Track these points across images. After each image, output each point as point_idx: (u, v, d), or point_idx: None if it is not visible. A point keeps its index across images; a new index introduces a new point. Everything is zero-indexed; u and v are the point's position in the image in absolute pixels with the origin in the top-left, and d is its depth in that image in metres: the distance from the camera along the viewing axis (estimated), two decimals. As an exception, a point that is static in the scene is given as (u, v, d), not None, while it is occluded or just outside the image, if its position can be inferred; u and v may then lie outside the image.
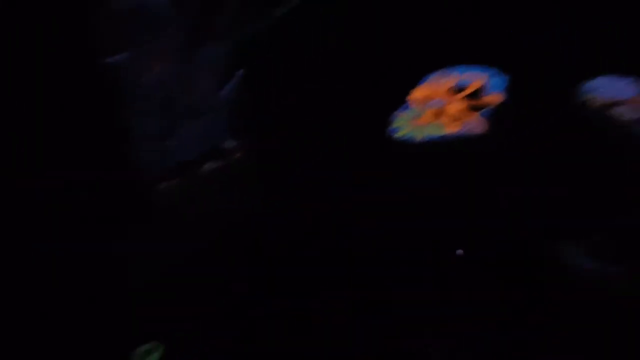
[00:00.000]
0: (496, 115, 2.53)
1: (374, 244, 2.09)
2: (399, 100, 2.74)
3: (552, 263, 1.81)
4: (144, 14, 2.20)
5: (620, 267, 1.70)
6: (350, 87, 2.71)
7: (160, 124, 2.29)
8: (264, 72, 2.59)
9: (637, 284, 1.61)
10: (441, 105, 2.66)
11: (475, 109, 2.60)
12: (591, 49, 2.63)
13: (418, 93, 2.78)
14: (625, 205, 1.81)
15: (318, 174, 2.40)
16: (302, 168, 2.42)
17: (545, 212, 2.01)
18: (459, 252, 1.83)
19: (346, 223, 2.19)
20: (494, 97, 2.67)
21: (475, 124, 2.55)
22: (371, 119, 2.62)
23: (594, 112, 2.52)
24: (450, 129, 2.54)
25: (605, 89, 2.65)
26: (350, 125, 2.60)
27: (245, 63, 2.57)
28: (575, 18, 2.64)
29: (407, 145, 2.50)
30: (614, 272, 1.69)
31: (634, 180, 1.95)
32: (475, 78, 2.78)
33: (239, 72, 2.56)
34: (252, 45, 2.63)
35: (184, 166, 2.26)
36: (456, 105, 2.67)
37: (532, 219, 2.01)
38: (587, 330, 1.54)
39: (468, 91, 2.71)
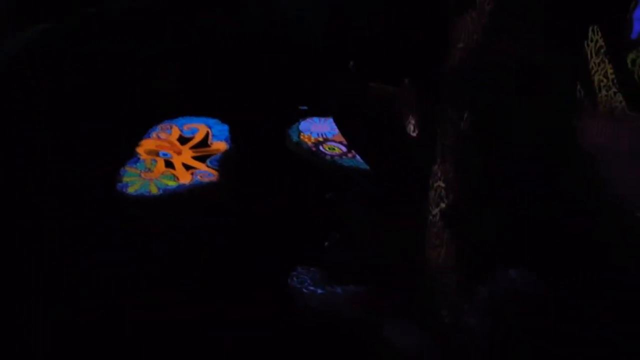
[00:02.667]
0: (223, 162, 2.80)
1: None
2: (127, 153, 2.83)
3: (287, 291, 2.12)
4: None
5: (346, 289, 2.09)
6: (78, 140, 2.72)
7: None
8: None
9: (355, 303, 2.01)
10: (170, 157, 2.84)
11: (202, 158, 2.82)
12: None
13: (146, 145, 2.91)
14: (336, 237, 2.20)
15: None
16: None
17: (275, 248, 2.31)
18: None
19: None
20: (219, 146, 2.96)
21: (205, 172, 2.78)
22: (101, 174, 2.66)
23: (306, 149, 2.96)
24: (183, 179, 2.71)
25: (314, 128, 3.14)
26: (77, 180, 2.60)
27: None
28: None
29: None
30: (341, 295, 2.07)
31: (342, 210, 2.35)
32: (199, 129, 3.03)
33: None
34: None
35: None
36: (184, 156, 2.88)
37: (267, 254, 2.30)
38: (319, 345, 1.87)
39: (194, 141, 2.96)
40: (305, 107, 3.11)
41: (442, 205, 1.69)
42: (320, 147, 2.93)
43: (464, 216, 1.65)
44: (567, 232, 1.62)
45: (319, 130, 3.01)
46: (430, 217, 1.74)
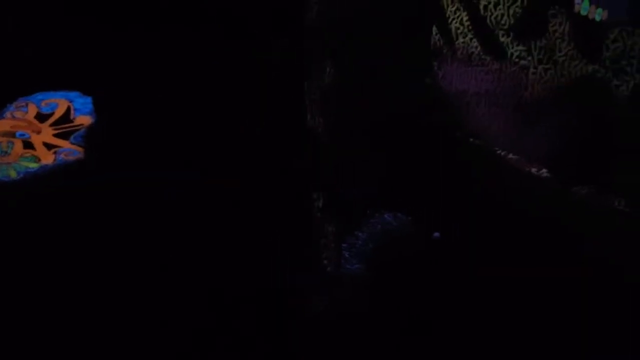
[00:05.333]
0: (88, 138, 2.87)
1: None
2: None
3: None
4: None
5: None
6: None
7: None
8: None
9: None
10: (29, 137, 2.87)
11: (65, 135, 2.88)
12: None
13: (1, 126, 2.84)
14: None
15: None
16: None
17: (153, 223, 2.44)
18: (436, 234, 2.05)
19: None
20: (83, 120, 3.01)
21: (70, 150, 2.85)
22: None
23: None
24: (45, 160, 2.75)
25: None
26: None
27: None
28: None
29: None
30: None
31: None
32: (58, 104, 3.07)
33: None
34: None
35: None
36: (45, 135, 2.92)
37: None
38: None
39: (54, 118, 2.99)
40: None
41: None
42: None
43: (338, 167, 1.88)
44: (433, 172, 1.90)
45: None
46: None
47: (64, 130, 2.88)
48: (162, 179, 2.50)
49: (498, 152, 2.09)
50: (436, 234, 2.01)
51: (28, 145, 2.78)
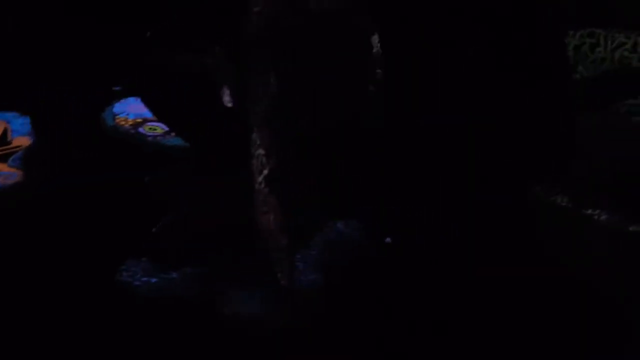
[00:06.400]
0: (27, 160, 2.84)
1: None
2: None
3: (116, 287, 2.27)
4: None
5: (182, 272, 2.28)
6: None
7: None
8: None
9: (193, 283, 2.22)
10: (-37, 161, 2.84)
11: (3, 158, 2.82)
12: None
13: None
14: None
15: None
16: None
17: (99, 245, 2.43)
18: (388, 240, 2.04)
19: None
20: (21, 141, 2.98)
21: (7, 173, 2.80)
22: None
23: (125, 132, 3.06)
24: (-19, 184, 2.72)
25: (131, 110, 3.24)
26: None
27: None
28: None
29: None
30: (177, 279, 2.27)
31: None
32: (-7, 125, 3.06)
33: None
34: None
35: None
36: (-20, 158, 2.87)
37: (90, 253, 2.41)
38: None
39: (-11, 140, 2.98)
40: (118, 88, 3.20)
41: (265, 172, 1.92)
42: (140, 129, 3.04)
43: (287, 180, 1.90)
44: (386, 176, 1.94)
45: (136, 111, 3.11)
46: (256, 185, 1.97)
47: (2, 152, 2.85)
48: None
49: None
50: (387, 239, 2.05)
51: (-38, 169, 2.75)
